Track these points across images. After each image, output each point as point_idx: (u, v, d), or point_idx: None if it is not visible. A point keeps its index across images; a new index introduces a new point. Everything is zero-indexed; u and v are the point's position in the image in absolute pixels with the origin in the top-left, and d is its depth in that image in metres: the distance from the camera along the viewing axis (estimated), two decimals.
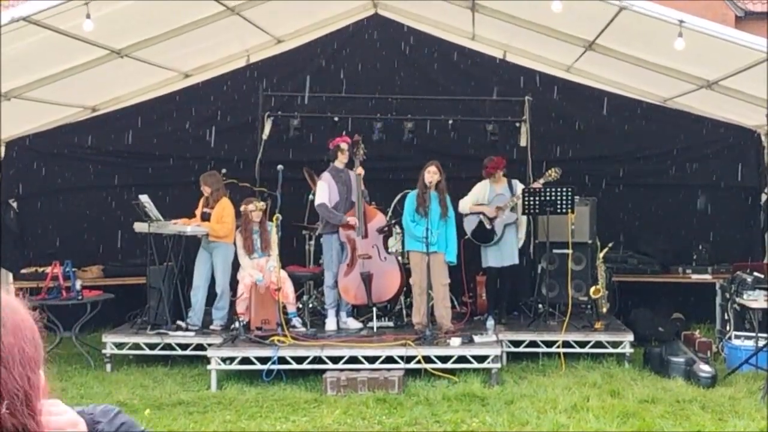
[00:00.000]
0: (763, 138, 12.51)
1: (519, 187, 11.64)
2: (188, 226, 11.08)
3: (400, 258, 11.61)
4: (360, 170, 11.24)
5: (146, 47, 11.10)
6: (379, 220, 11.41)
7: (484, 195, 11.61)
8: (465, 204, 11.49)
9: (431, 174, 10.83)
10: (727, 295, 11.10)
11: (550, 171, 11.53)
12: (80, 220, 13.27)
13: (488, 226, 11.47)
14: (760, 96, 10.41)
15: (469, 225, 11.59)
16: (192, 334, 10.91)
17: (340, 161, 11.28)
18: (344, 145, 11.25)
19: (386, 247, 11.41)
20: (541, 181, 11.50)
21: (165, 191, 12.81)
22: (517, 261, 11.67)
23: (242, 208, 11.14)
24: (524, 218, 11.77)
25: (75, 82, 11.25)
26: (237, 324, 10.66)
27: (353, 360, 9.94)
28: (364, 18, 12.88)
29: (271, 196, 11.38)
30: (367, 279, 11.11)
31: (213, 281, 11.31)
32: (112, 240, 13.09)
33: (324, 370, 9.77)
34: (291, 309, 11.27)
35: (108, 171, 13.23)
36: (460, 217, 11.43)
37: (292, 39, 12.89)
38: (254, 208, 11.08)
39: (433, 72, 13.03)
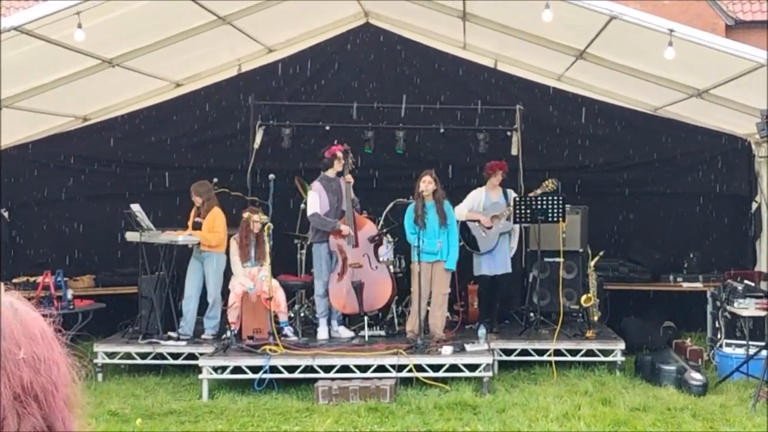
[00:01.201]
0: (753, 146, 12.55)
1: (513, 197, 11.66)
2: (180, 236, 11.06)
3: (391, 267, 11.60)
4: (349, 178, 11.25)
5: (138, 57, 11.10)
6: (369, 228, 11.41)
7: (480, 202, 11.62)
8: (461, 211, 11.48)
9: (426, 183, 10.84)
10: (718, 303, 11.12)
11: (547, 182, 11.55)
12: (72, 230, 13.25)
13: (483, 234, 11.48)
14: (750, 104, 10.46)
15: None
16: (183, 343, 10.90)
17: (335, 170, 11.27)
18: (340, 154, 11.24)
19: (377, 256, 11.40)
20: (538, 191, 11.50)
21: (156, 201, 12.79)
22: (510, 269, 11.67)
23: (245, 215, 11.10)
24: (517, 227, 11.79)
25: (66, 91, 11.24)
26: (228, 333, 10.65)
27: (345, 369, 9.93)
28: (355, 27, 12.90)
29: (262, 206, 11.38)
30: (358, 288, 11.10)
31: (205, 290, 11.30)
32: (104, 249, 13.06)
33: (316, 379, 9.76)
34: (283, 318, 11.25)
35: (99, 180, 13.21)
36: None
37: (283, 48, 12.91)
38: (257, 219, 11.03)
39: (424, 81, 13.05)
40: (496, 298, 11.92)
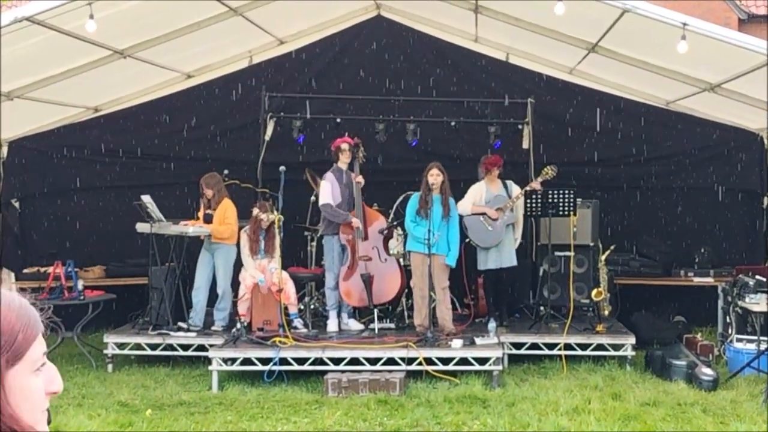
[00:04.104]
0: (765, 141, 12.50)
1: (514, 188, 11.61)
2: (190, 227, 11.08)
3: (400, 260, 11.59)
4: (360, 179, 11.24)
5: (149, 48, 11.11)
6: (379, 222, 11.41)
7: (481, 196, 11.57)
8: (465, 206, 11.43)
9: (434, 176, 10.81)
10: (729, 299, 11.09)
11: (546, 169, 11.48)
12: (82, 221, 13.28)
13: (489, 228, 11.43)
14: (763, 99, 10.41)
15: (473, 224, 11.53)
16: (193, 334, 10.91)
17: (342, 162, 11.28)
18: (345, 146, 11.24)
19: (387, 249, 11.40)
20: (539, 179, 11.47)
21: (167, 192, 12.82)
22: (515, 262, 11.60)
23: (254, 213, 11.12)
24: (520, 218, 11.74)
25: (78, 82, 11.26)
26: (238, 325, 10.65)
27: (354, 361, 9.93)
28: (367, 19, 12.88)
29: (273, 198, 11.38)
30: (367, 281, 11.10)
31: (214, 282, 11.31)
32: (115, 240, 13.09)
33: (325, 372, 9.77)
34: (292, 310, 11.27)
35: (110, 171, 13.24)
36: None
37: (294, 40, 12.90)
38: (264, 218, 11.04)
39: (435, 74, 13.03)
40: (503, 292, 11.88)
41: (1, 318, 1.56)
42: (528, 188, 11.45)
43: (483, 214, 11.42)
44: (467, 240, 11.51)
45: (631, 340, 10.70)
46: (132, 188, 12.48)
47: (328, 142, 11.56)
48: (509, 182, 11.72)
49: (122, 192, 12.92)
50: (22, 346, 1.58)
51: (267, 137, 11.98)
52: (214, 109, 13.11)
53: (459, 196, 11.31)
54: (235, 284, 11.30)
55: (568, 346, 10.68)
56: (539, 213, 11.50)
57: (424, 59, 13.01)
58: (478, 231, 11.47)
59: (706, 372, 9.70)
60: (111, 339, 10.89)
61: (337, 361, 9.95)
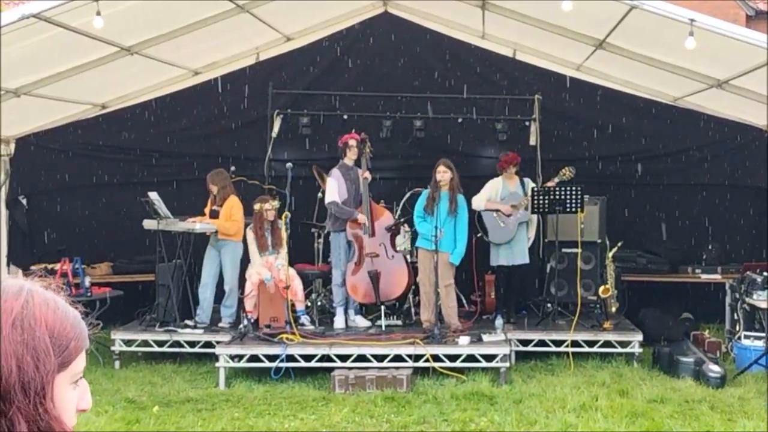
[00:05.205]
0: None
1: (530, 185, 11.61)
2: (197, 224, 11.08)
3: (408, 256, 11.58)
4: (367, 175, 11.23)
5: (156, 44, 11.11)
6: (386, 218, 11.40)
7: (497, 192, 11.57)
8: (479, 201, 11.44)
9: (441, 173, 10.80)
10: (737, 295, 11.05)
11: (564, 170, 11.48)
12: (90, 217, 13.30)
13: (502, 225, 11.42)
14: None
15: (487, 220, 11.51)
16: (200, 331, 10.92)
17: (349, 158, 11.27)
18: (353, 142, 11.24)
19: (394, 246, 11.39)
20: (556, 180, 11.45)
21: (174, 188, 12.84)
22: (527, 260, 11.61)
23: (256, 207, 11.11)
24: (534, 217, 11.74)
25: (85, 79, 11.26)
26: (245, 322, 10.65)
27: (361, 358, 9.94)
28: (373, 16, 12.86)
29: (279, 194, 11.37)
30: (374, 277, 11.09)
31: (221, 279, 11.31)
32: (122, 237, 13.10)
33: (332, 368, 9.77)
34: (299, 307, 11.26)
35: (117, 168, 13.25)
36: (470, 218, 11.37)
37: (301, 37, 12.88)
38: (269, 207, 11.05)
39: (442, 70, 13.01)
40: (513, 289, 11.87)
41: (59, 322, 1.60)
42: (544, 188, 11.44)
43: (497, 210, 11.41)
44: (479, 235, 11.51)
45: (639, 337, 10.69)
46: (139, 185, 12.50)
47: (335, 139, 11.56)
48: (527, 180, 11.71)
49: (129, 189, 12.93)
50: (71, 354, 1.60)
51: (274, 134, 11.99)
52: (221, 105, 13.10)
53: (465, 192, 11.28)
54: (242, 281, 11.29)
55: (575, 343, 10.68)
56: (547, 209, 11.48)
57: (431, 56, 12.98)
58: (491, 227, 11.48)
59: (714, 369, 9.68)
60: (118, 336, 10.90)
61: (344, 357, 9.95)
